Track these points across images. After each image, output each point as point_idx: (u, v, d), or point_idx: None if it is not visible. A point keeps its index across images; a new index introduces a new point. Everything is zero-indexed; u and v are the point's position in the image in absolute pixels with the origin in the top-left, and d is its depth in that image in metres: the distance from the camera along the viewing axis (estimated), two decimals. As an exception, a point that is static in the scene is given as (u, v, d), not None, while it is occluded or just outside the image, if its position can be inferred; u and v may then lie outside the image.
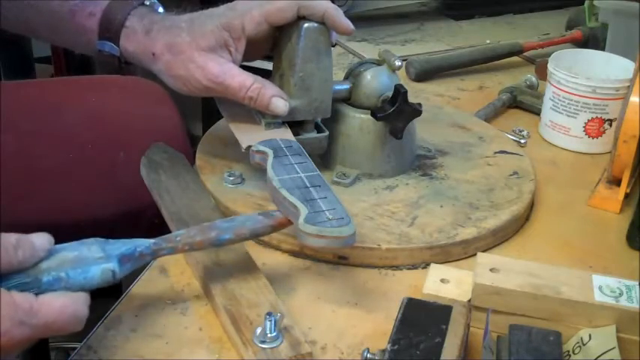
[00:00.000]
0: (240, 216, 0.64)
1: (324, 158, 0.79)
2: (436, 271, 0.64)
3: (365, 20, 1.38)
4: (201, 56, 0.72)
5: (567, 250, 0.74)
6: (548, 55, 0.98)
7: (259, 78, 0.74)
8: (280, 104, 0.73)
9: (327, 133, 0.78)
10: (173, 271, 0.67)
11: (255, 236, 0.63)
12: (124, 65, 0.77)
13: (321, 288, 0.66)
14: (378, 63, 0.80)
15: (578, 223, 0.79)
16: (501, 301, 0.59)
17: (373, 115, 0.76)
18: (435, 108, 0.98)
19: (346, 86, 0.79)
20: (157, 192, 0.74)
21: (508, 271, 0.60)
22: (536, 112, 1.01)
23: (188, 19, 0.74)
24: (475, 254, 0.65)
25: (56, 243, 0.54)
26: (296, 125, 0.76)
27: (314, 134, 0.77)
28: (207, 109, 1.82)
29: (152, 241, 0.59)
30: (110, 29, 0.74)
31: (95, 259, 0.54)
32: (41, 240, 0.53)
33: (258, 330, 0.56)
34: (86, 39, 0.76)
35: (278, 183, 0.65)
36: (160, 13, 0.77)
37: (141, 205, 0.86)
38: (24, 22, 0.79)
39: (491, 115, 1.00)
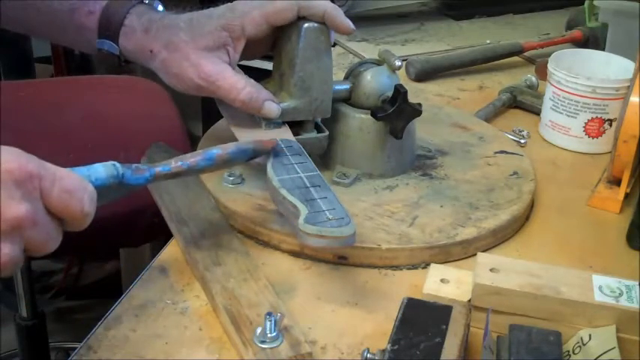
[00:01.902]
0: None
1: (324, 158, 0.79)
2: (436, 271, 0.64)
3: (365, 20, 1.38)
4: (196, 55, 0.72)
5: (567, 250, 0.74)
6: (548, 55, 0.97)
7: (252, 81, 0.74)
8: (273, 108, 0.74)
9: (327, 133, 0.78)
10: (173, 271, 0.67)
11: (242, 154, 0.65)
12: (123, 64, 0.77)
13: (321, 288, 0.66)
14: (378, 63, 0.80)
15: (578, 223, 0.79)
16: (501, 301, 0.59)
17: (373, 115, 0.76)
18: (435, 108, 0.98)
19: (346, 86, 0.79)
20: (156, 192, 0.74)
21: (508, 271, 0.60)
22: (536, 112, 1.01)
23: (187, 18, 0.74)
24: (475, 254, 0.65)
25: None
26: (296, 125, 0.76)
27: (314, 134, 0.77)
28: (207, 109, 1.82)
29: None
30: (109, 28, 0.75)
31: None
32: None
33: (258, 330, 0.56)
34: (86, 37, 0.76)
35: (278, 183, 0.65)
36: (159, 11, 0.77)
37: (141, 205, 0.87)
38: (24, 20, 0.79)
39: (491, 115, 1.00)
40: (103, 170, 0.56)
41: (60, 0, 0.76)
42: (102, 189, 0.55)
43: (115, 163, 0.57)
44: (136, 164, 0.59)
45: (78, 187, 0.51)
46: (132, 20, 0.75)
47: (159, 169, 0.61)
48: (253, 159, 0.67)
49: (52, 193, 0.50)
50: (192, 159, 0.63)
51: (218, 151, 0.64)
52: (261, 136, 0.73)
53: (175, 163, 0.62)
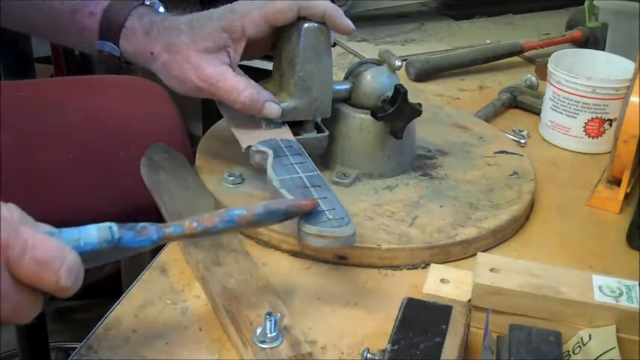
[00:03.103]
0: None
1: (324, 158, 0.79)
2: (436, 271, 0.64)
3: (365, 20, 1.38)
4: (197, 57, 0.72)
5: (567, 250, 0.74)
6: (548, 55, 0.98)
7: (253, 82, 0.74)
8: (274, 109, 0.74)
9: (327, 133, 0.78)
10: (173, 271, 0.67)
11: (270, 216, 0.57)
12: (124, 65, 0.77)
13: (321, 288, 0.66)
14: (378, 63, 0.80)
15: (578, 223, 0.79)
16: (501, 301, 0.59)
17: (373, 115, 0.76)
18: (435, 108, 0.98)
19: (346, 86, 0.79)
20: (157, 192, 0.74)
21: (508, 271, 0.60)
22: (536, 112, 1.01)
23: (188, 20, 0.74)
24: (475, 254, 0.65)
25: None
26: (296, 125, 0.76)
27: (314, 134, 0.77)
28: (207, 109, 1.83)
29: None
30: (110, 29, 0.75)
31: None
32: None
33: (258, 330, 0.56)
34: (86, 39, 0.76)
35: (278, 183, 0.65)
36: (160, 13, 0.77)
37: (141, 205, 0.86)
38: (25, 20, 0.79)
39: (491, 115, 1.00)
40: (95, 234, 0.49)
41: (61, 0, 0.76)
42: (94, 253, 0.49)
43: (113, 225, 0.50)
44: (143, 224, 0.52)
45: (53, 257, 0.46)
46: (133, 22, 0.74)
47: (169, 230, 0.53)
48: (285, 220, 0.59)
49: (20, 264, 0.45)
50: (209, 220, 0.55)
51: (242, 211, 0.56)
52: (262, 136, 0.73)
53: (190, 224, 0.54)
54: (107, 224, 0.50)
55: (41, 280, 0.46)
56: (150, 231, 0.52)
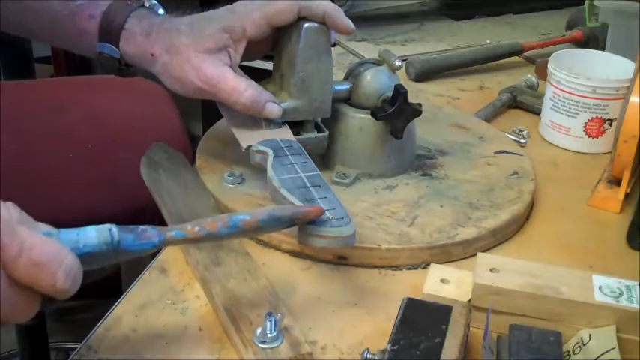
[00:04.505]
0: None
1: (324, 158, 0.79)
2: (436, 271, 0.64)
3: (365, 20, 1.38)
4: (197, 58, 0.72)
5: (567, 250, 0.74)
6: (548, 55, 0.97)
7: (253, 83, 0.74)
8: (275, 109, 0.74)
9: (327, 133, 0.78)
10: (173, 271, 0.67)
11: (275, 223, 0.56)
12: (124, 67, 0.77)
13: (321, 288, 0.66)
14: (378, 63, 0.80)
15: (578, 223, 0.79)
16: (501, 301, 0.59)
17: (373, 115, 0.76)
18: (435, 108, 0.98)
19: (346, 86, 0.79)
20: (157, 192, 0.74)
21: (508, 271, 0.60)
22: (536, 112, 1.01)
23: (188, 22, 0.74)
24: (475, 254, 0.65)
25: None
26: (296, 125, 0.76)
27: (314, 134, 0.77)
28: (207, 109, 1.83)
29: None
30: (110, 32, 0.74)
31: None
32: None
33: (258, 330, 0.56)
34: (86, 41, 0.76)
35: (278, 183, 0.65)
36: (160, 14, 0.77)
37: (141, 205, 0.87)
38: (24, 24, 0.79)
39: (491, 115, 1.00)
40: (95, 236, 0.49)
41: (61, 2, 0.76)
42: (91, 255, 0.48)
43: (113, 227, 0.49)
44: (144, 227, 0.51)
45: (50, 259, 0.45)
46: (132, 24, 0.74)
47: (171, 233, 0.52)
48: (290, 227, 0.58)
49: (17, 265, 0.44)
50: (211, 225, 0.54)
51: (245, 217, 0.55)
52: (262, 136, 0.73)
53: (192, 228, 0.53)
54: (107, 226, 0.49)
55: (38, 282, 0.45)
56: (151, 234, 0.51)
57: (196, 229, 0.53)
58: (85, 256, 0.48)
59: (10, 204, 0.47)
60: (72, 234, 0.48)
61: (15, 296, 0.45)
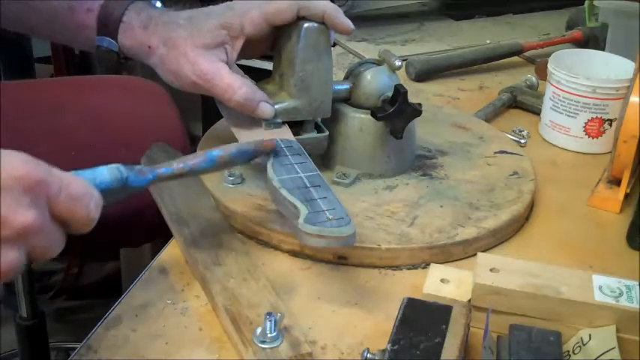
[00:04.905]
0: None
1: (324, 158, 0.79)
2: (436, 271, 0.64)
3: (365, 20, 1.38)
4: (194, 52, 0.72)
5: (567, 250, 0.74)
6: (548, 55, 0.98)
7: (248, 82, 0.74)
8: (267, 109, 0.74)
9: (327, 133, 0.78)
10: (173, 271, 0.67)
11: (243, 155, 0.65)
12: (123, 61, 0.77)
13: (321, 288, 0.66)
14: (378, 63, 0.80)
15: (578, 223, 0.79)
16: (501, 301, 0.59)
17: (373, 115, 0.76)
18: (435, 108, 0.98)
19: (346, 86, 0.79)
20: (156, 192, 0.74)
21: (508, 271, 0.60)
22: (536, 112, 1.01)
23: (187, 16, 0.75)
24: (475, 254, 0.65)
25: None
26: (296, 125, 0.76)
27: (314, 134, 0.77)
28: (207, 109, 1.82)
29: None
30: (108, 25, 0.75)
31: None
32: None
33: (258, 330, 0.56)
34: (85, 35, 0.76)
35: (278, 183, 0.65)
36: (157, 8, 0.77)
37: (141, 205, 0.87)
38: (23, 20, 0.79)
39: (491, 115, 1.00)
40: (107, 173, 0.56)
41: None
42: (105, 191, 0.55)
43: (120, 166, 0.57)
44: (139, 166, 0.60)
45: (84, 193, 0.51)
46: (130, 17, 0.75)
47: (161, 170, 0.61)
48: (254, 159, 0.67)
49: (58, 200, 0.49)
50: (193, 160, 0.63)
51: (219, 152, 0.64)
52: (261, 136, 0.73)
53: (177, 165, 0.62)
54: (115, 165, 0.57)
55: (74, 214, 0.50)
56: (146, 171, 0.60)
57: (181, 165, 0.62)
58: (100, 192, 0.53)
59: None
60: (88, 173, 0.55)
61: (54, 231, 0.50)
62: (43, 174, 0.48)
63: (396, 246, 0.69)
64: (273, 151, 0.68)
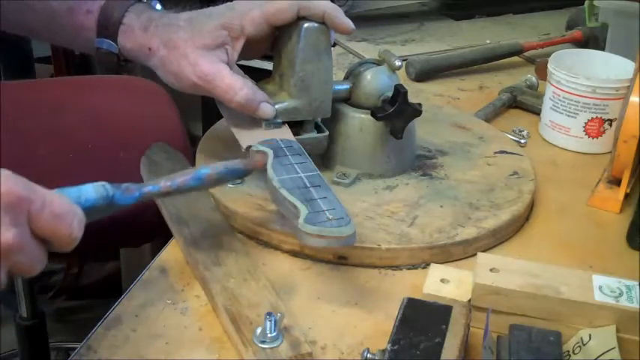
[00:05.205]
0: None
1: (324, 158, 0.79)
2: (436, 271, 0.64)
3: (365, 20, 1.38)
4: (194, 53, 0.72)
5: (567, 250, 0.74)
6: (548, 55, 0.97)
7: (249, 82, 0.74)
8: (268, 110, 0.74)
9: (327, 133, 0.78)
10: (173, 271, 0.67)
11: (231, 174, 0.65)
12: (123, 63, 0.77)
13: (321, 288, 0.66)
14: (378, 63, 0.80)
15: (578, 223, 0.79)
16: (501, 301, 0.59)
17: (373, 115, 0.76)
18: (435, 108, 0.98)
19: (346, 86, 0.79)
20: (157, 192, 0.74)
21: (508, 271, 0.60)
22: (536, 112, 1.01)
23: (187, 17, 0.75)
24: (475, 254, 0.65)
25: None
26: (296, 125, 0.76)
27: (314, 134, 0.77)
28: (207, 109, 1.82)
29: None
30: (108, 27, 0.75)
31: None
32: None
33: (258, 330, 0.56)
34: (84, 37, 0.76)
35: (278, 183, 0.65)
36: (157, 10, 0.77)
37: (141, 205, 0.87)
38: (23, 23, 0.79)
39: (491, 115, 1.00)
40: (93, 191, 0.56)
41: (58, 0, 0.76)
42: (90, 209, 0.55)
43: (105, 184, 0.57)
44: (126, 184, 0.59)
45: (67, 211, 0.50)
46: (130, 19, 0.75)
47: (148, 188, 0.61)
48: (245, 177, 0.68)
49: (40, 218, 0.48)
50: (181, 178, 0.62)
51: (207, 170, 0.64)
52: (262, 136, 0.73)
53: (164, 183, 0.62)
54: (100, 183, 0.56)
55: (56, 233, 0.49)
56: (133, 189, 0.59)
57: (168, 183, 0.62)
58: (84, 211, 0.53)
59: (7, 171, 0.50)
60: (74, 191, 0.55)
61: (36, 249, 0.49)
62: (25, 191, 0.48)
63: (396, 246, 0.69)
64: (263, 166, 0.67)
